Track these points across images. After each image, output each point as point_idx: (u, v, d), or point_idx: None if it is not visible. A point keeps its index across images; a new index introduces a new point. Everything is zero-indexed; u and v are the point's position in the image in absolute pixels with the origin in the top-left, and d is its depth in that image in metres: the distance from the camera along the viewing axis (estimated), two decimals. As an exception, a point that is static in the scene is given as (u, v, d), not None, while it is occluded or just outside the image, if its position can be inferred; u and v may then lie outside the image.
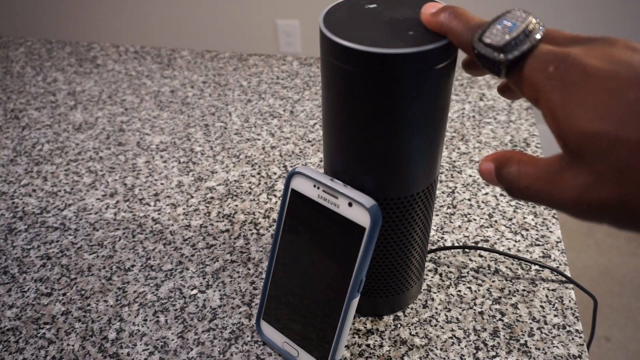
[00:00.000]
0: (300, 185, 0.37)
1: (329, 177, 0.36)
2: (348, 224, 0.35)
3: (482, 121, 0.66)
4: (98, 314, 0.45)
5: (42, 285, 0.48)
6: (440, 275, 0.47)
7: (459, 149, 0.62)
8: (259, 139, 0.65)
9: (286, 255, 0.39)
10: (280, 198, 0.37)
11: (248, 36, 1.80)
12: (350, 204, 0.34)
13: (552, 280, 0.46)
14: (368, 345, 0.42)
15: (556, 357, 0.41)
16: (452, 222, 0.52)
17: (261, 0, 1.73)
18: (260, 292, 0.46)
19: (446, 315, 0.44)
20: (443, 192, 0.56)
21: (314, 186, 0.36)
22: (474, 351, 0.41)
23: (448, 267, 0.48)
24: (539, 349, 0.41)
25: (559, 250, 0.49)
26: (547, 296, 0.45)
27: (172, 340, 0.43)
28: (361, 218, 0.34)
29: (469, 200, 0.55)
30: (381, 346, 0.42)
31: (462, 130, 0.65)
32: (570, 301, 0.45)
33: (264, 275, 0.48)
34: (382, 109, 0.31)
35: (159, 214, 0.55)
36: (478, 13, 1.58)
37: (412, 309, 0.45)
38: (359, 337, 0.43)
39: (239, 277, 0.48)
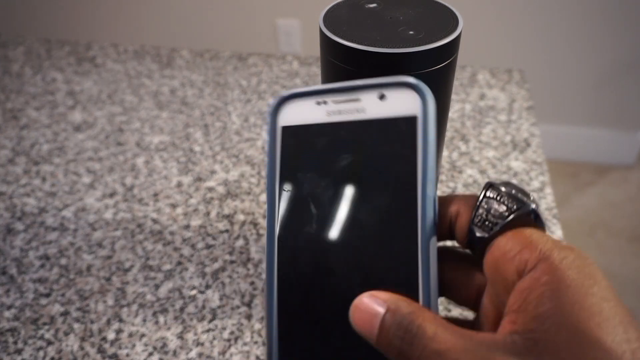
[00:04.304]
0: (296, 114, 0.26)
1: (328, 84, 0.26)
2: (389, 126, 0.24)
3: (483, 121, 0.66)
4: (97, 314, 0.45)
5: (40, 286, 0.48)
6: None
7: (459, 148, 0.62)
8: (259, 139, 0.64)
9: (298, 245, 0.25)
10: (267, 158, 0.25)
11: (248, 35, 1.80)
12: (382, 96, 0.24)
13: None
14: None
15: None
16: (452, 222, 0.52)
17: (261, 0, 1.73)
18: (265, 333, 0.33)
19: (446, 315, 0.44)
20: (443, 192, 0.56)
21: (318, 103, 0.25)
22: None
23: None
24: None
25: (559, 250, 0.49)
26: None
27: (172, 340, 0.43)
28: (406, 105, 0.23)
29: (469, 200, 0.55)
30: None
31: (462, 130, 0.65)
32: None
33: (264, 276, 0.48)
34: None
35: (159, 214, 0.54)
36: (479, 16, 1.58)
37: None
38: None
39: (239, 277, 0.48)
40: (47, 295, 0.47)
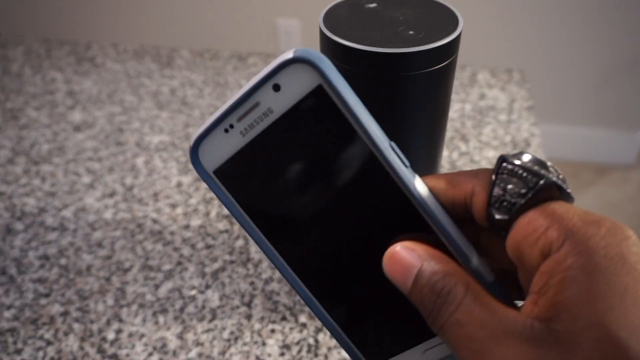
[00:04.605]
0: (215, 153, 0.24)
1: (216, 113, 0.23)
2: (304, 109, 0.22)
3: (483, 121, 0.66)
4: (97, 314, 0.45)
5: (40, 286, 0.48)
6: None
7: (459, 148, 0.62)
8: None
9: (296, 253, 0.25)
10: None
11: (248, 35, 1.80)
12: (276, 87, 0.21)
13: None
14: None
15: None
16: (452, 222, 0.52)
17: (261, 0, 1.73)
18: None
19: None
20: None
21: (226, 130, 0.23)
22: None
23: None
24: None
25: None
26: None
27: (171, 340, 0.43)
28: (304, 81, 0.21)
29: (469, 200, 0.55)
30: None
31: (462, 130, 0.65)
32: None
33: (264, 276, 0.48)
34: (382, 109, 0.31)
35: (158, 214, 0.54)
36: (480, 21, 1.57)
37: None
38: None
39: (239, 277, 0.48)
40: (47, 295, 0.47)
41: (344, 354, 0.42)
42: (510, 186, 0.20)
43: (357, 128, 0.21)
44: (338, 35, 0.30)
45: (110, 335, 0.43)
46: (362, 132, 0.21)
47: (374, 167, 0.22)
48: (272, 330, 0.44)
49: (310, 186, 0.23)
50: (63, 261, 0.50)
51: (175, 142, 0.64)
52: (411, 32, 0.30)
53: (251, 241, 0.51)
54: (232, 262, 0.49)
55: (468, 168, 0.59)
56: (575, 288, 0.17)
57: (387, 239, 0.23)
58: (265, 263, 0.49)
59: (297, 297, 0.46)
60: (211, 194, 0.56)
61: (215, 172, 0.24)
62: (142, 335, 0.43)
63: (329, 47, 0.31)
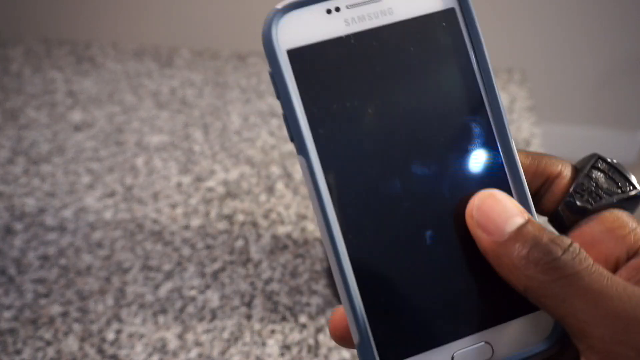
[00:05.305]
0: (302, 31, 0.19)
1: None
2: (427, 24, 0.20)
3: (483, 120, 0.66)
4: (97, 314, 0.45)
5: (40, 286, 0.47)
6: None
7: (459, 148, 0.62)
8: (258, 139, 0.64)
9: (357, 185, 0.20)
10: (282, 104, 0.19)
11: (248, 34, 1.80)
12: None
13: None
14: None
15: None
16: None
17: (260, -1, 1.73)
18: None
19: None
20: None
21: (329, 11, 0.19)
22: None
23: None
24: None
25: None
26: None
27: (171, 341, 0.43)
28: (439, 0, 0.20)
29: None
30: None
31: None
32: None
33: (264, 276, 0.48)
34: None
35: (158, 214, 0.54)
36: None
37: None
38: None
39: (239, 277, 0.48)
40: (47, 295, 0.47)
41: (344, 354, 0.42)
42: (602, 181, 0.20)
43: (474, 61, 0.20)
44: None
45: (110, 336, 0.43)
46: (480, 68, 0.20)
47: (477, 105, 0.20)
48: (272, 331, 0.44)
49: (394, 116, 0.20)
50: (63, 261, 0.50)
51: (175, 142, 0.64)
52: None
53: (251, 241, 0.51)
54: (232, 262, 0.49)
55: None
56: None
57: (463, 189, 0.20)
58: (266, 263, 0.49)
59: (297, 297, 0.46)
60: (211, 194, 0.56)
61: (289, 52, 0.19)
62: (142, 336, 0.43)
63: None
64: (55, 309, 0.46)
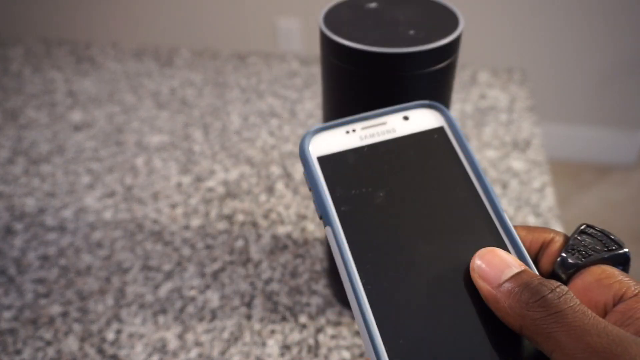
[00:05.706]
0: (328, 144, 0.26)
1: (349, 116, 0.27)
2: (422, 138, 0.26)
3: (483, 121, 0.66)
4: (97, 314, 0.45)
5: (40, 286, 0.47)
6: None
7: (459, 148, 0.62)
8: (258, 139, 0.64)
9: (376, 256, 0.24)
10: (312, 193, 0.26)
11: (247, 35, 1.80)
12: (405, 117, 0.27)
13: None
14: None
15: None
16: (452, 222, 0.52)
17: (261, -1, 1.73)
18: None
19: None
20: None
21: (347, 132, 0.26)
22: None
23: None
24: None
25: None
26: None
27: (171, 341, 0.43)
28: (430, 121, 0.26)
29: (470, 200, 0.55)
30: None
31: (462, 130, 0.64)
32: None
33: (264, 276, 0.48)
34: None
35: (158, 214, 0.54)
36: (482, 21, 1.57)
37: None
38: (358, 337, 0.42)
39: (238, 277, 0.48)
40: (47, 295, 0.47)
41: (344, 354, 0.42)
42: (589, 242, 0.24)
43: (463, 159, 0.26)
44: (338, 35, 0.30)
45: (110, 336, 0.43)
46: (469, 162, 0.26)
47: (467, 189, 0.25)
48: (272, 331, 0.44)
49: (402, 199, 0.25)
50: (63, 261, 0.50)
51: (175, 142, 0.64)
52: (412, 32, 0.30)
53: (251, 241, 0.51)
54: (232, 262, 0.49)
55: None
56: None
57: (466, 254, 0.24)
58: (266, 263, 0.49)
59: (297, 297, 0.46)
60: (211, 194, 0.56)
61: (319, 158, 0.26)
62: (142, 336, 0.43)
63: (329, 47, 0.31)
64: (55, 309, 0.46)
